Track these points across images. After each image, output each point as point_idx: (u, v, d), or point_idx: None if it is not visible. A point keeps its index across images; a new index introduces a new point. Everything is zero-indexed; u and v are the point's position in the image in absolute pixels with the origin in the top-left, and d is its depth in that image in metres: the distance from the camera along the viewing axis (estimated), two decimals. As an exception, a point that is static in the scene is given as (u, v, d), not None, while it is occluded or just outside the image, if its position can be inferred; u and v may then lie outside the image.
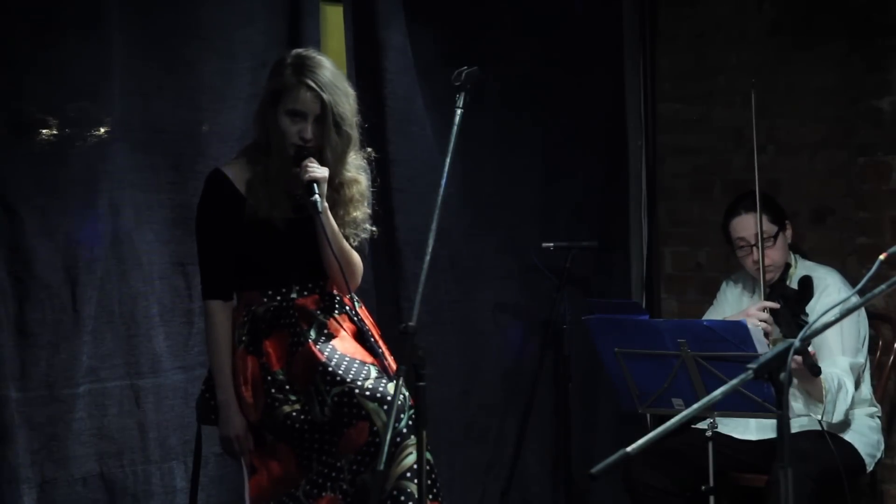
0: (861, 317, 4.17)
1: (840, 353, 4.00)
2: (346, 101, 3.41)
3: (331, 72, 3.42)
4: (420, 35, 4.50)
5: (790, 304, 3.99)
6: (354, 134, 3.47)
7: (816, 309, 4.04)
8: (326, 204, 3.36)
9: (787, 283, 4.17)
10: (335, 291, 3.53)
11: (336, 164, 3.42)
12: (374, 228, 3.61)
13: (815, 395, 3.93)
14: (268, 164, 3.41)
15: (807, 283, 4.05)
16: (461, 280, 4.70)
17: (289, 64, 3.40)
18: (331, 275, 3.48)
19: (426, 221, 3.10)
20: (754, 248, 4.14)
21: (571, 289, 4.80)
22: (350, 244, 3.50)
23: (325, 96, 3.36)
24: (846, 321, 3.95)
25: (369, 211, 3.57)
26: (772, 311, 3.97)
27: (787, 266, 4.22)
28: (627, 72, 5.22)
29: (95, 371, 3.78)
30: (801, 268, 4.24)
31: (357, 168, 3.53)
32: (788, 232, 4.23)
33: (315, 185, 3.33)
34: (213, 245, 3.45)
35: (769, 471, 3.92)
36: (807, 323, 3.94)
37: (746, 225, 4.17)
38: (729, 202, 4.38)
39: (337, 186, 3.46)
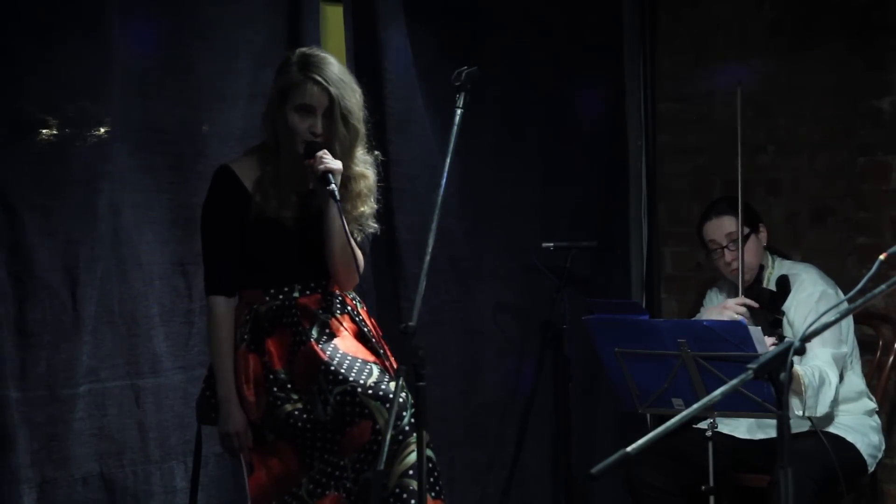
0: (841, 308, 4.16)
1: (820, 344, 4.00)
2: (352, 95, 3.43)
3: (337, 68, 3.44)
4: (420, 35, 4.50)
5: (764, 305, 4.02)
6: (362, 129, 3.48)
7: (793, 305, 4.07)
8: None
9: (764, 284, 4.20)
10: (337, 291, 3.54)
11: (344, 158, 3.42)
12: (376, 225, 3.61)
13: (793, 388, 3.93)
14: (277, 165, 3.42)
15: (783, 283, 4.10)
16: (461, 280, 4.70)
17: (294, 62, 3.42)
18: (333, 269, 3.47)
19: (426, 221, 3.10)
20: (726, 251, 4.20)
21: (571, 289, 4.80)
22: (354, 239, 3.50)
23: (332, 90, 3.37)
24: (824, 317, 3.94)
25: (375, 206, 3.58)
26: (749, 309, 4.00)
27: (762, 268, 4.24)
28: (627, 72, 5.22)
29: (95, 371, 3.78)
30: (779, 268, 4.26)
31: (364, 163, 3.54)
32: (762, 235, 4.25)
33: (330, 175, 3.34)
34: (218, 241, 3.45)
35: (770, 471, 3.91)
36: (780, 322, 4.00)
37: (717, 228, 4.23)
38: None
39: (345, 181, 3.45)
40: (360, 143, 3.50)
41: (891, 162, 4.64)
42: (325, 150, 3.37)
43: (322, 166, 3.34)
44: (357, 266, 3.45)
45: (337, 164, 3.37)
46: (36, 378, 3.66)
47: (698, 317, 4.42)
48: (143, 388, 3.88)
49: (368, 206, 3.55)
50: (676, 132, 5.22)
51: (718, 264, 4.27)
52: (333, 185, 3.33)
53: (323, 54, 3.46)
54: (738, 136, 4.19)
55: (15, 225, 3.63)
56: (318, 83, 3.37)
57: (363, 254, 3.56)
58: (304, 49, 3.51)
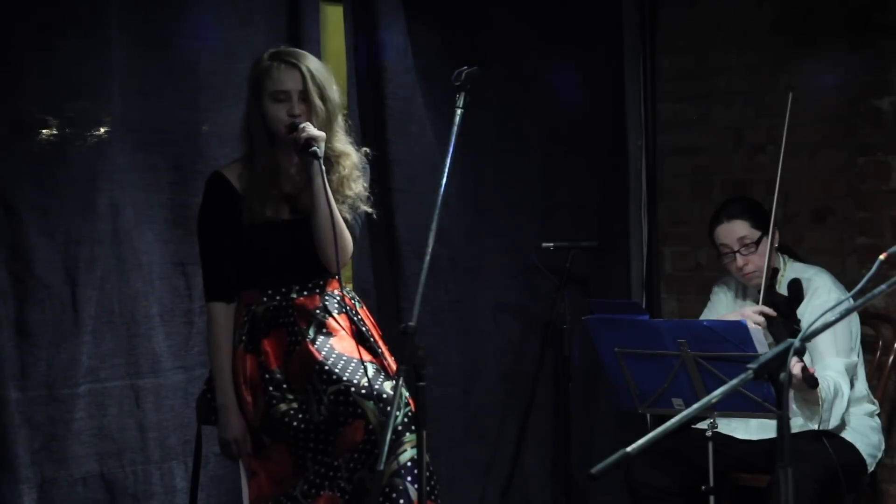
0: (851, 314, 4.16)
1: (834, 354, 4.00)
2: (324, 71, 3.46)
3: (312, 58, 3.50)
4: (420, 35, 4.50)
5: (781, 312, 4.01)
6: (339, 108, 3.49)
7: (807, 311, 4.06)
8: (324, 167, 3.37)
9: (777, 287, 4.18)
10: (336, 291, 3.53)
11: (325, 133, 3.42)
12: (369, 209, 3.59)
13: (810, 401, 3.93)
14: (252, 166, 3.43)
15: (796, 287, 4.08)
16: (461, 280, 4.69)
17: (265, 56, 3.48)
18: (320, 246, 3.42)
19: (426, 221, 3.10)
20: (738, 255, 4.17)
21: (571, 289, 4.80)
22: (344, 219, 3.46)
23: (302, 67, 3.41)
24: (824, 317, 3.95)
25: (366, 186, 3.56)
26: (766, 317, 3.98)
27: (776, 271, 4.23)
28: (627, 72, 5.22)
29: (95, 371, 3.78)
30: (791, 270, 4.24)
31: (345, 142, 3.53)
32: (776, 238, 4.24)
33: (313, 141, 3.34)
34: (214, 247, 3.46)
35: (771, 471, 3.91)
36: (799, 331, 3.97)
37: (729, 232, 4.21)
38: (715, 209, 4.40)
39: (329, 163, 3.44)
40: (338, 122, 3.50)
41: (891, 162, 4.64)
42: (307, 123, 3.38)
43: (304, 134, 3.35)
44: (343, 246, 3.41)
45: (320, 133, 3.37)
46: (36, 378, 3.66)
47: (705, 314, 4.41)
48: (143, 388, 3.89)
49: (358, 187, 3.53)
50: (676, 132, 5.22)
51: (730, 268, 4.25)
52: (316, 148, 3.33)
53: (295, 49, 3.53)
54: (782, 142, 4.14)
55: (15, 225, 3.63)
56: (288, 62, 3.41)
57: (353, 237, 3.50)
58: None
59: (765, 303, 4.04)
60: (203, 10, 3.99)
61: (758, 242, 4.17)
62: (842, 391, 3.95)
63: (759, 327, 3.89)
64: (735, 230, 4.18)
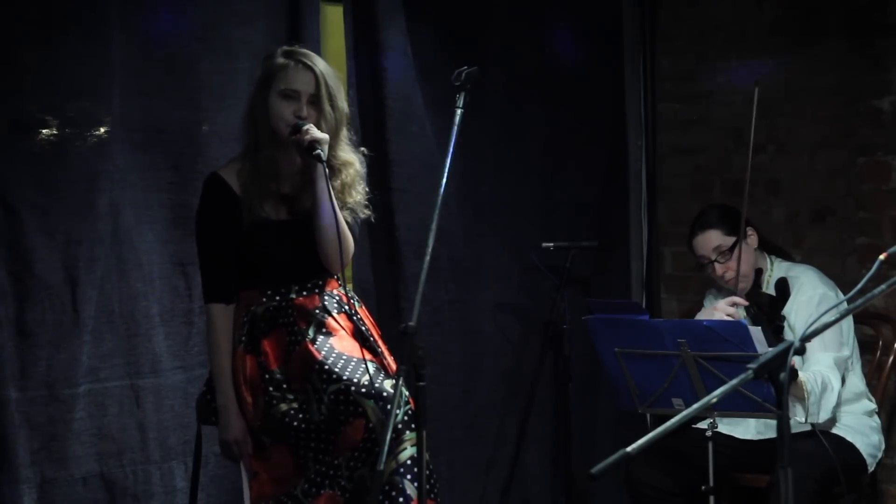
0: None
1: (822, 349, 3.99)
2: (334, 78, 3.48)
3: (319, 58, 3.51)
4: (420, 35, 4.50)
5: (764, 311, 4.02)
6: (346, 114, 3.50)
7: (793, 308, 4.07)
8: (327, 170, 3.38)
9: (764, 287, 4.19)
10: (335, 291, 3.54)
11: (331, 140, 3.43)
12: (368, 212, 3.60)
13: (795, 395, 3.93)
14: (256, 159, 3.44)
15: (782, 286, 4.10)
16: (461, 280, 4.70)
17: (279, 51, 3.48)
18: (322, 248, 3.43)
19: (426, 221, 3.10)
20: (716, 264, 4.21)
21: (571, 289, 4.80)
22: (346, 222, 3.48)
23: (316, 70, 3.42)
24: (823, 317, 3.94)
25: (366, 192, 3.57)
26: (752, 317, 4.00)
27: (761, 271, 4.24)
28: (627, 72, 5.22)
29: (95, 371, 3.78)
30: (778, 270, 4.25)
31: (349, 151, 3.54)
32: (752, 239, 4.23)
33: (317, 143, 3.35)
34: (213, 249, 3.46)
35: (770, 471, 3.91)
36: (782, 328, 3.99)
37: (704, 243, 4.25)
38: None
39: (334, 171, 3.45)
40: (344, 128, 3.51)
41: (891, 162, 4.64)
42: (311, 125, 3.38)
43: (308, 136, 3.35)
44: (345, 247, 3.42)
45: (324, 135, 3.38)
46: (36, 378, 3.66)
47: (696, 318, 4.42)
48: (143, 388, 3.89)
49: (359, 193, 3.54)
50: (676, 132, 5.22)
51: (713, 277, 4.29)
52: (320, 151, 3.34)
53: (311, 52, 3.53)
54: (751, 137, 4.12)
55: (15, 225, 3.63)
56: (304, 64, 3.42)
57: (353, 238, 3.52)
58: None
59: (750, 302, 4.06)
60: (203, 10, 3.99)
61: (733, 248, 4.18)
62: (831, 385, 3.95)
63: (757, 328, 3.90)
64: (709, 240, 4.22)
